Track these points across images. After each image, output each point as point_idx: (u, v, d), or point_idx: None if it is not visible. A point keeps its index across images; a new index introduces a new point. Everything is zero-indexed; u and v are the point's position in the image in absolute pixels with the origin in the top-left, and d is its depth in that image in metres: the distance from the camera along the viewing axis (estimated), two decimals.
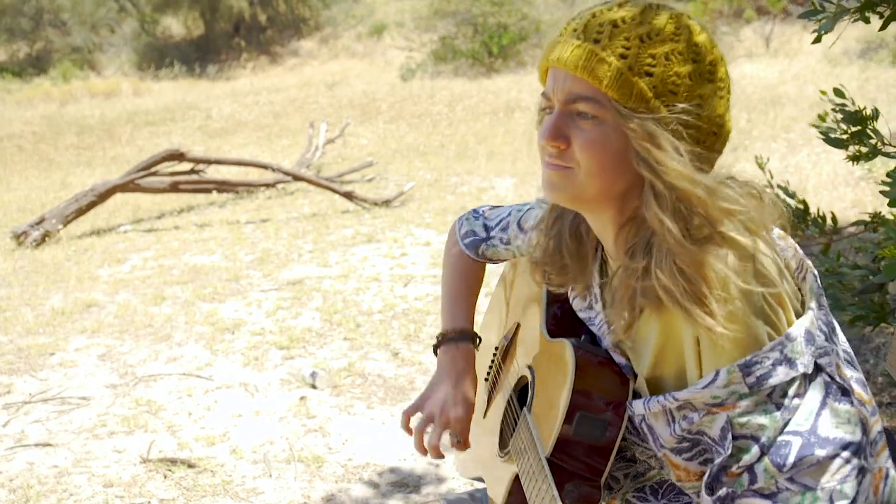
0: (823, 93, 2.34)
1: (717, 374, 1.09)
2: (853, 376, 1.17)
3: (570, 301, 1.41)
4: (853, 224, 2.67)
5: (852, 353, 1.22)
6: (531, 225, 1.47)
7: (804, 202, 2.68)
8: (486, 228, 1.61)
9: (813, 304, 1.15)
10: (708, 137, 1.13)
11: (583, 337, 1.39)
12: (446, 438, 1.51)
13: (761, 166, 2.74)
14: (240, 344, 4.37)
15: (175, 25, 24.53)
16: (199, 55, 22.31)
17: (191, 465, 3.17)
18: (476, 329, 1.65)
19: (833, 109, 2.33)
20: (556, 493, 1.18)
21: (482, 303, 1.77)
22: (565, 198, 1.19)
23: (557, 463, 1.24)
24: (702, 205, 1.09)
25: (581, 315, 1.39)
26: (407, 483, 3.02)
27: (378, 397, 3.70)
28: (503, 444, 1.54)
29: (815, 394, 1.11)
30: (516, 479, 1.37)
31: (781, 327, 1.10)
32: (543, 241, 1.35)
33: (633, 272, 1.14)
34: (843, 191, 6.70)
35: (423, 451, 1.50)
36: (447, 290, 1.67)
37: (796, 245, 1.21)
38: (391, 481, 3.04)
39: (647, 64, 1.09)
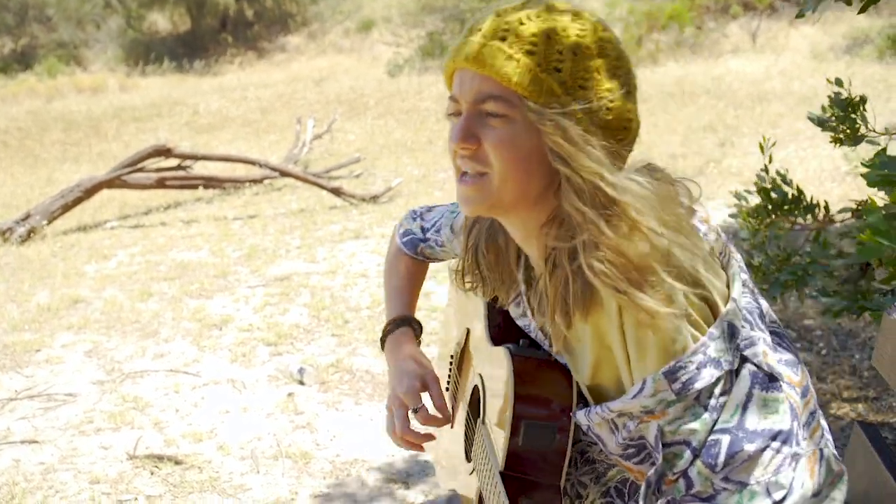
0: (829, 81, 2.42)
1: (645, 382, 1.09)
2: (782, 359, 1.16)
3: (507, 308, 1.38)
4: (840, 211, 2.70)
5: (782, 331, 1.21)
6: (460, 229, 1.45)
7: (799, 189, 2.71)
8: (423, 230, 1.61)
9: (736, 292, 1.13)
10: (618, 132, 1.12)
11: (521, 341, 1.35)
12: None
13: (762, 148, 2.76)
14: (227, 340, 4.36)
15: (161, 21, 24.40)
16: (186, 51, 22.20)
17: (178, 462, 3.16)
18: (438, 330, 1.65)
19: (829, 97, 2.39)
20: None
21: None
22: (483, 208, 1.17)
23: (513, 475, 1.20)
24: (619, 200, 1.08)
25: (519, 323, 1.37)
26: (395, 479, 3.01)
27: (366, 393, 3.69)
28: (468, 455, 1.51)
29: (741, 387, 1.10)
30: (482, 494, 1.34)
31: (704, 326, 1.09)
32: (461, 251, 1.34)
33: (560, 272, 1.13)
34: (829, 186, 6.73)
35: (404, 445, 1.45)
36: (386, 290, 1.67)
37: (718, 228, 1.20)
38: (379, 478, 3.03)
39: (556, 59, 1.09)
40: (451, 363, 1.68)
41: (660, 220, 1.08)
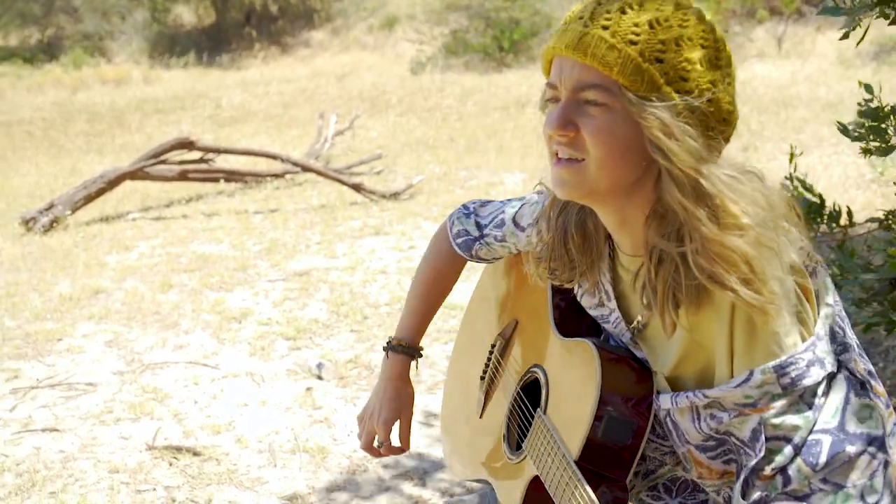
0: (861, 84, 2.39)
1: (751, 373, 1.09)
2: (867, 369, 1.17)
3: (579, 298, 1.38)
4: (867, 221, 2.67)
5: (860, 345, 1.22)
6: (529, 221, 1.44)
7: (821, 197, 2.68)
8: (479, 226, 1.57)
9: (830, 300, 1.15)
10: (718, 124, 1.12)
11: (602, 336, 1.37)
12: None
13: (792, 156, 2.73)
14: (246, 333, 4.38)
15: (186, 14, 24.51)
16: (211, 44, 22.29)
17: (196, 454, 3.18)
18: (458, 327, 1.67)
19: (858, 104, 2.36)
20: (593, 497, 1.17)
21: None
22: (579, 194, 1.16)
23: (584, 466, 1.22)
24: (718, 194, 1.08)
25: (592, 312, 1.37)
26: (411, 475, 3.02)
27: None
28: (513, 445, 1.51)
29: (839, 391, 1.11)
30: (534, 482, 1.35)
31: (811, 325, 1.10)
32: (546, 236, 1.32)
33: (669, 265, 1.13)
34: (854, 193, 6.67)
35: (370, 454, 1.69)
36: (410, 298, 1.70)
37: (806, 240, 1.20)
38: (395, 473, 3.04)
39: (658, 50, 1.08)
40: (490, 353, 1.67)
41: (759, 217, 1.09)
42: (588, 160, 1.13)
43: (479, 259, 1.63)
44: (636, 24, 1.08)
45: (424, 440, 3.24)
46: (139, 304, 4.89)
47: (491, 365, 1.67)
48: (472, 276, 1.80)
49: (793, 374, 1.08)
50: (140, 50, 22.37)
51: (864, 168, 7.29)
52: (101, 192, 7.28)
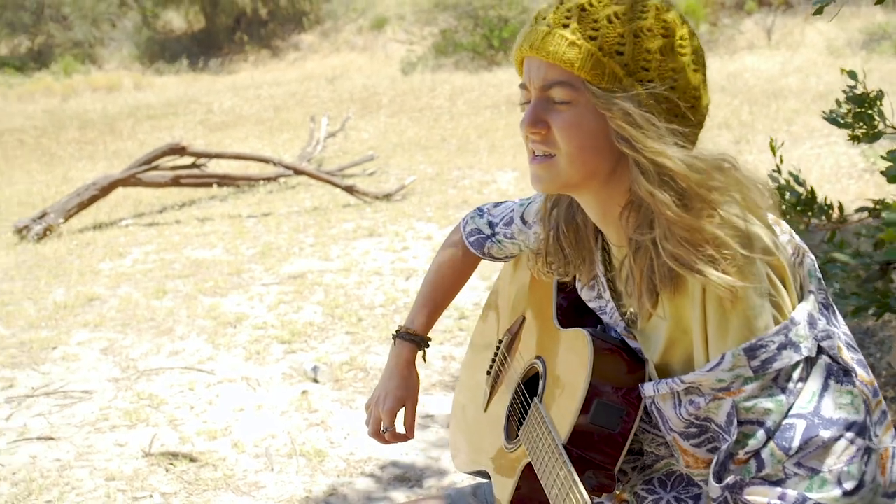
0: (844, 71, 2.38)
1: (723, 357, 1.10)
2: (854, 358, 1.17)
3: (579, 291, 1.42)
4: (857, 210, 2.67)
5: (851, 336, 1.23)
6: (535, 219, 1.48)
7: (812, 189, 2.68)
8: (491, 225, 1.63)
9: (813, 288, 1.16)
10: (686, 111, 1.14)
11: (598, 327, 1.39)
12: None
13: (773, 149, 2.73)
14: (241, 338, 4.37)
15: (176, 20, 24.48)
16: (201, 49, 22.27)
17: (193, 459, 3.17)
18: (471, 326, 1.68)
19: (843, 91, 2.36)
20: (576, 477, 1.18)
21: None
22: (554, 187, 1.21)
23: (573, 450, 1.24)
24: (684, 179, 1.10)
25: (591, 305, 1.40)
26: (409, 477, 3.01)
27: None
28: (510, 435, 1.54)
29: (817, 376, 1.12)
30: (526, 469, 1.37)
31: (786, 309, 1.11)
32: (542, 231, 1.37)
33: (644, 253, 1.16)
34: (846, 183, 6.68)
35: (376, 440, 1.69)
36: (424, 289, 1.73)
37: (791, 230, 1.22)
38: (393, 475, 3.03)
39: (617, 43, 1.11)
40: (497, 349, 1.72)
41: (727, 198, 1.11)
42: (559, 155, 1.18)
43: (492, 257, 1.69)
44: (595, 20, 1.12)
45: (421, 444, 3.23)
46: (134, 310, 4.88)
47: (497, 360, 1.71)
48: (473, 280, 1.81)
49: (762, 357, 1.09)
50: (131, 56, 22.34)
51: (857, 158, 7.30)
52: (93, 200, 7.27)
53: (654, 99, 1.11)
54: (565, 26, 1.13)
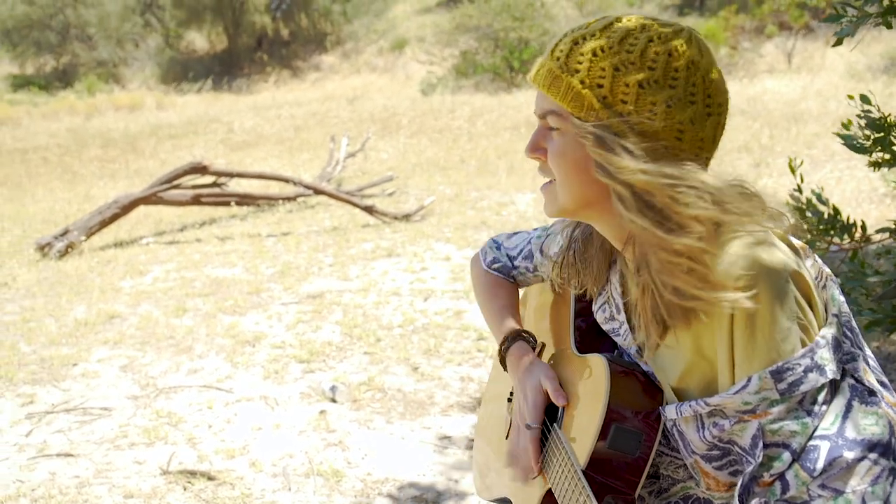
0: (851, 97, 2.35)
1: (749, 380, 1.11)
2: (880, 380, 1.18)
3: (595, 314, 1.42)
4: (878, 231, 2.66)
5: (876, 360, 1.23)
6: (556, 250, 1.48)
7: (835, 208, 2.67)
8: (510, 258, 1.65)
9: (836, 311, 1.17)
10: (670, 143, 1.14)
11: (616, 352, 1.40)
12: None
13: (793, 169, 2.72)
14: (260, 357, 4.39)
15: (199, 40, 24.77)
16: (223, 69, 22.51)
17: (210, 478, 3.18)
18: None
19: (858, 116, 2.34)
20: (595, 502, 1.18)
21: None
22: (552, 211, 1.26)
23: (593, 476, 1.24)
24: (659, 194, 1.11)
25: (605, 327, 1.40)
26: (427, 499, 3.01)
27: (398, 412, 3.69)
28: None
29: (841, 398, 1.13)
30: (547, 496, 1.37)
31: (812, 332, 1.11)
32: (563, 242, 1.42)
33: (649, 293, 1.17)
34: (867, 207, 6.64)
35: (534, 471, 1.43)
36: (488, 312, 1.65)
37: (815, 255, 1.23)
38: (410, 496, 3.03)
39: (598, 76, 1.15)
40: None
41: (713, 207, 1.10)
42: (555, 181, 1.23)
43: (519, 283, 1.68)
44: (581, 55, 1.17)
45: (438, 466, 3.23)
46: (153, 328, 4.91)
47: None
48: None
49: (790, 380, 1.10)
50: (153, 76, 22.60)
51: (877, 182, 7.26)
52: (115, 218, 7.34)
53: (636, 132, 1.13)
54: (558, 59, 1.19)
